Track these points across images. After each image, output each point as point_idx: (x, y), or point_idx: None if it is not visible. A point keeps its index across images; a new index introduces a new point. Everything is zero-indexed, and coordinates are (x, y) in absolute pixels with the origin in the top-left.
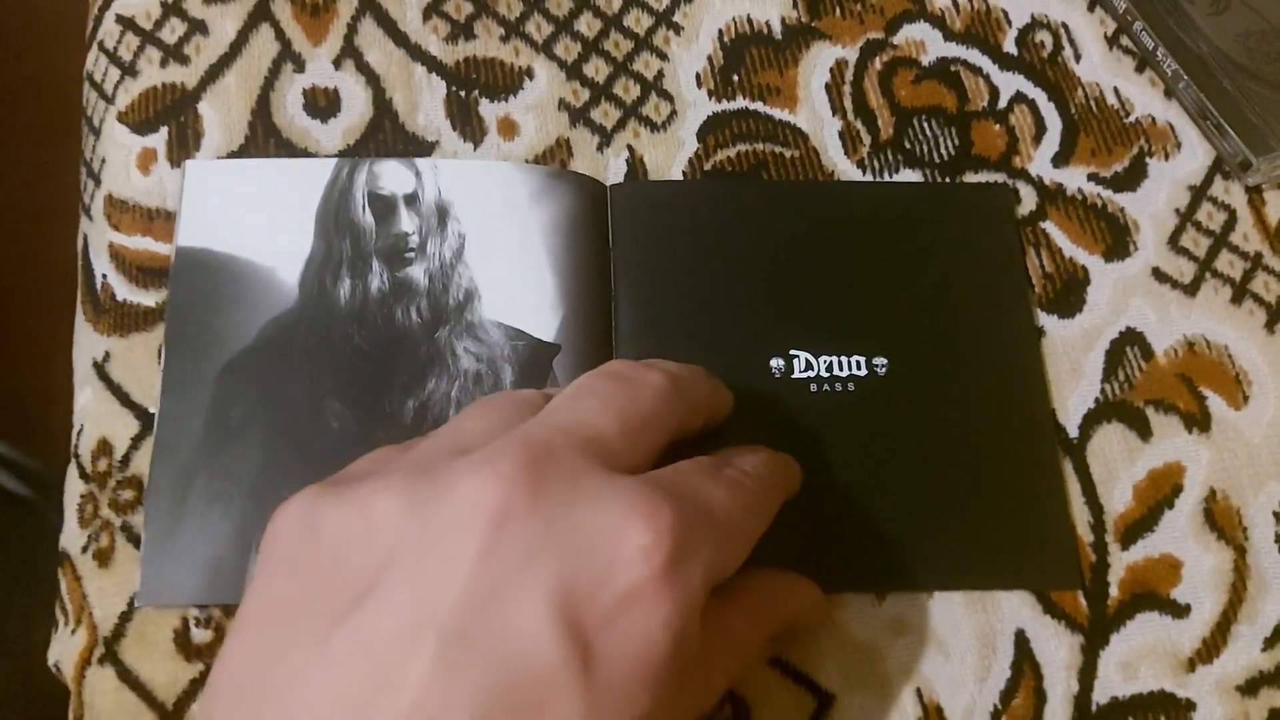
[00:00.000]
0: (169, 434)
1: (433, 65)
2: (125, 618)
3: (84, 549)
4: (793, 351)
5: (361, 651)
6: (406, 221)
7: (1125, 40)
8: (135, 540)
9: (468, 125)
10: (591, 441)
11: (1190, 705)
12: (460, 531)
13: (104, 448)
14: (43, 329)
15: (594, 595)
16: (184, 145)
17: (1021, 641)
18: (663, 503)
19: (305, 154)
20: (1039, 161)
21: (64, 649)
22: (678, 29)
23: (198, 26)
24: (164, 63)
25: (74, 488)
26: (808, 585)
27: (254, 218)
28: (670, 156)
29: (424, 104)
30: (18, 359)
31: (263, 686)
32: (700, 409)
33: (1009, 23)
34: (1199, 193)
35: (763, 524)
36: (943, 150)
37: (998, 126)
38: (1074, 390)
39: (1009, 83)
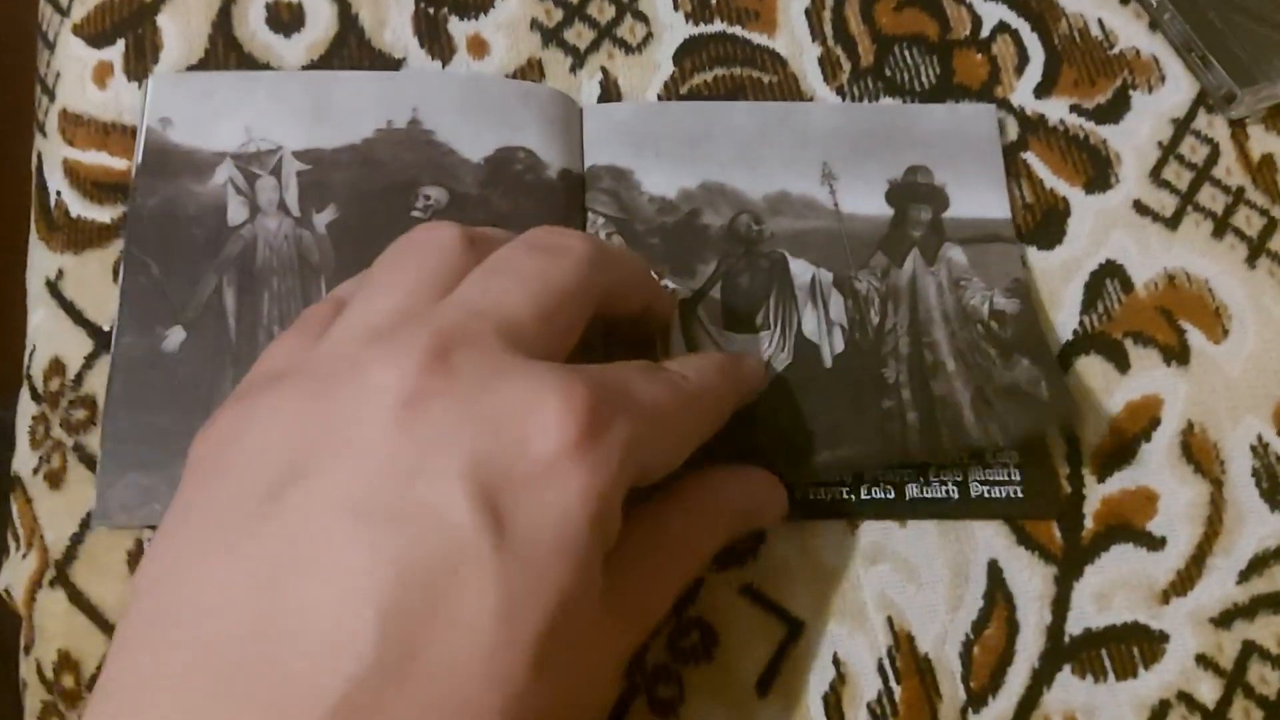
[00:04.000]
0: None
1: None
2: (77, 540)
3: (35, 471)
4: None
5: (276, 540)
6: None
7: None
8: (88, 461)
9: (436, 43)
10: (505, 325)
11: (1164, 636)
12: (372, 420)
13: (56, 367)
14: None
15: (508, 468)
16: (141, 58)
17: (995, 572)
18: (578, 381)
19: (268, 69)
20: (1021, 92)
21: (14, 574)
22: None
23: None
24: None
25: (26, 409)
26: (762, 478)
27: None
28: (645, 79)
29: (391, 20)
30: None
31: (181, 581)
32: (631, 287)
33: None
34: (1182, 126)
35: (705, 423)
36: (924, 78)
37: (980, 56)
38: (1053, 322)
39: (992, 12)
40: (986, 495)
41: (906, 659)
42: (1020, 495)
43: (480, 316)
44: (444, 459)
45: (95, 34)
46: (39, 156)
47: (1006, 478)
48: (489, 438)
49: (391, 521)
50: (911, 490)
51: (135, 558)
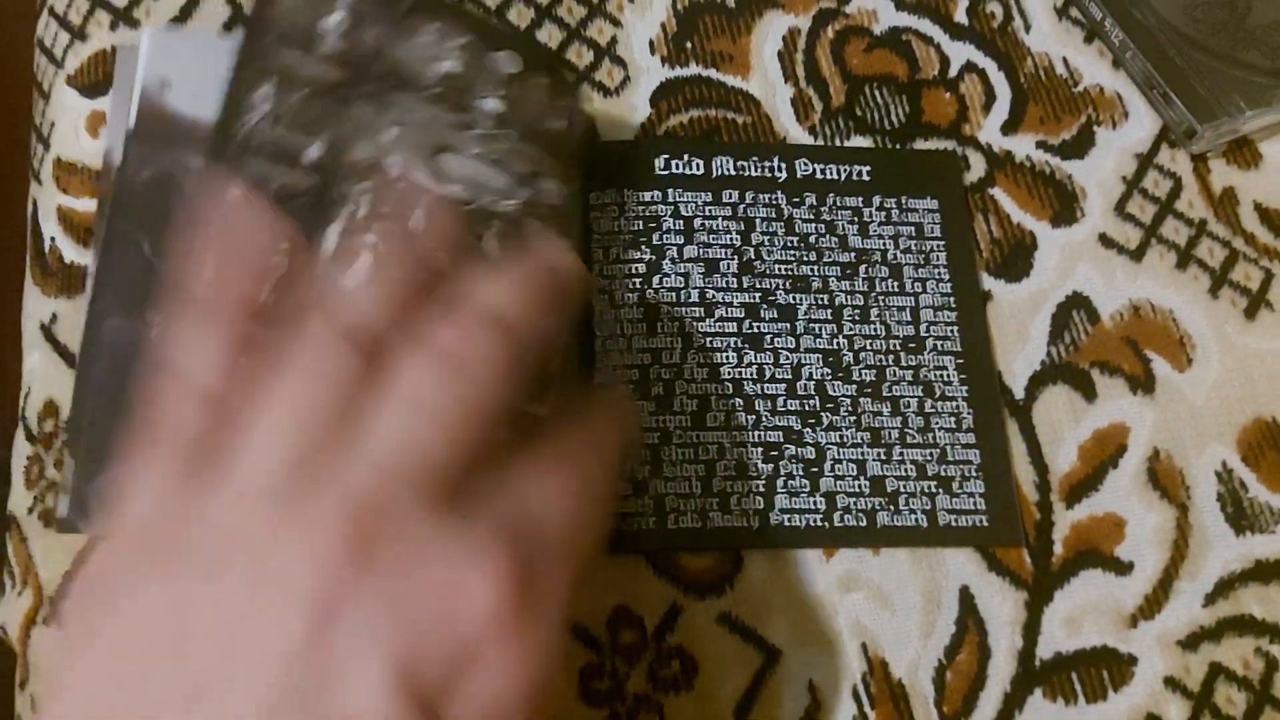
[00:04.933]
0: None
1: None
2: (70, 577)
3: (30, 510)
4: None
5: None
6: None
7: (1074, 11)
8: None
9: None
10: (423, 481)
11: (1132, 660)
12: (284, 627)
13: (50, 409)
14: None
15: (436, 659)
16: None
17: (966, 598)
18: (499, 549)
19: None
20: (988, 129)
21: (10, 611)
22: None
23: None
24: (114, 26)
25: (21, 450)
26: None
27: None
28: (623, 121)
29: None
30: None
31: None
32: (558, 325)
33: None
34: (1145, 160)
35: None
36: (894, 117)
37: (948, 94)
38: (1020, 353)
39: (959, 52)
40: (954, 524)
41: (880, 685)
42: (986, 524)
43: (396, 479)
44: (365, 659)
45: (88, 85)
46: (34, 203)
47: (973, 506)
48: (413, 628)
49: None
50: (883, 518)
51: None
